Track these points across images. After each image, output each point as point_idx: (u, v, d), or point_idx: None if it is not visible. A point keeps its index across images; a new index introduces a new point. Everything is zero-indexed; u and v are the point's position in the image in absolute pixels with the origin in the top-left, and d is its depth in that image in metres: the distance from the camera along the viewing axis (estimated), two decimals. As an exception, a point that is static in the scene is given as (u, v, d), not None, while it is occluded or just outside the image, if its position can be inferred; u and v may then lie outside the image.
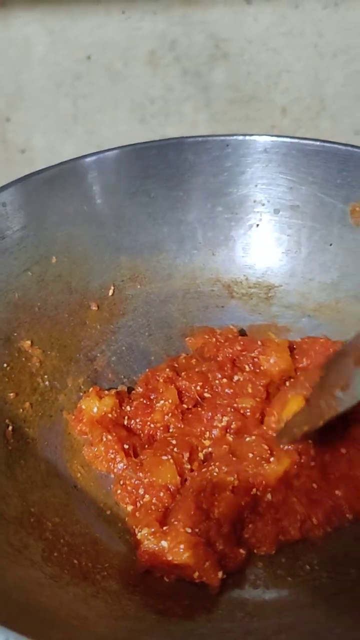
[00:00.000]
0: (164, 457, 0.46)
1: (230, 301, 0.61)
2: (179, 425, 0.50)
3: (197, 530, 0.41)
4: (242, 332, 0.59)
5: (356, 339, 0.42)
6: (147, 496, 0.45)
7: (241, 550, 0.41)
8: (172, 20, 0.74)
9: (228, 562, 0.41)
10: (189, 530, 0.40)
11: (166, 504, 0.44)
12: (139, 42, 0.76)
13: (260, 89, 0.78)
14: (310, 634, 0.36)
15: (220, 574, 0.39)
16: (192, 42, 0.75)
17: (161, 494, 0.44)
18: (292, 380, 0.52)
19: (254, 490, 0.44)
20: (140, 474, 0.46)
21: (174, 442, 0.48)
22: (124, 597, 0.38)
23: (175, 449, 0.47)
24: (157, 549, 0.40)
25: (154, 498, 0.44)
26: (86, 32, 0.76)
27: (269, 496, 0.43)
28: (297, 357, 0.54)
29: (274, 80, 0.77)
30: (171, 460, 0.46)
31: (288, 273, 0.61)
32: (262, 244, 0.61)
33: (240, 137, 0.58)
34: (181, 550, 0.40)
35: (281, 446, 0.46)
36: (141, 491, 0.45)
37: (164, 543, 0.40)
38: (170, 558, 0.40)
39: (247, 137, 0.58)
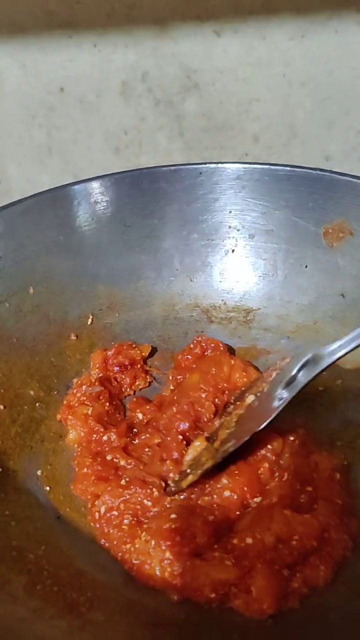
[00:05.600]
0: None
1: (210, 326, 0.62)
2: None
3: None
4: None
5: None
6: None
7: None
8: (144, 52, 0.76)
9: None
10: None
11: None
12: (111, 74, 0.78)
13: (232, 117, 0.80)
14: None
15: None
16: (164, 74, 0.77)
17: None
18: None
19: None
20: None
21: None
22: (110, 628, 0.38)
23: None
24: None
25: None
26: (59, 65, 0.77)
27: None
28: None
29: (244, 109, 0.79)
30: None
31: (266, 296, 0.61)
32: (239, 269, 0.62)
33: (213, 165, 0.60)
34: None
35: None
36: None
37: None
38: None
39: (220, 165, 0.59)
